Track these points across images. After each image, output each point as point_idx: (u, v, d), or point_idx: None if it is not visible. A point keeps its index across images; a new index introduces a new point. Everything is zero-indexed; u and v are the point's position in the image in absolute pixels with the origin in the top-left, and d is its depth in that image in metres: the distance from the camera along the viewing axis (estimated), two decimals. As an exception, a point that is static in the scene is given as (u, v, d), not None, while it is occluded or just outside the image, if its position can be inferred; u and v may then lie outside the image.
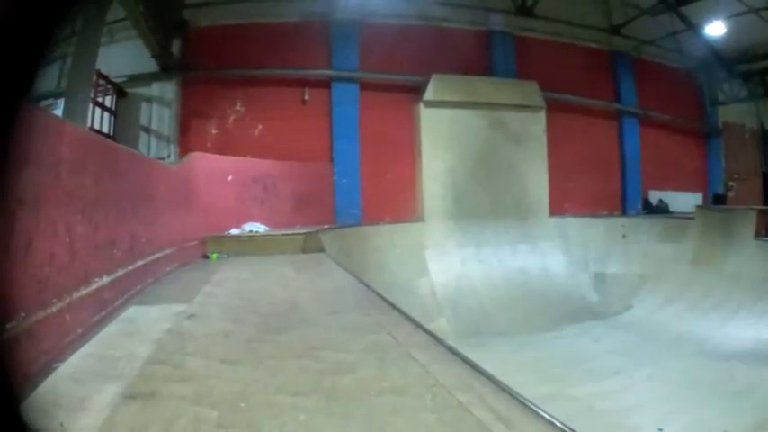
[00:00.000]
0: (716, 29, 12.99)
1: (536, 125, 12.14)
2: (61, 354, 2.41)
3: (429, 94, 11.26)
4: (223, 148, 9.69)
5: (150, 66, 9.77)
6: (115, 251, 3.58)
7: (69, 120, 5.44)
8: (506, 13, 12.41)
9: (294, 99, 10.87)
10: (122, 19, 8.60)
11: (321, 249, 7.28)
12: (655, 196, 13.90)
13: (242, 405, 1.94)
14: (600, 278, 11.31)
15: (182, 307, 3.68)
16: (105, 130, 9.02)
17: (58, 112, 6.74)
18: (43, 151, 2.32)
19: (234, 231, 7.75)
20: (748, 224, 9.21)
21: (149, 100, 10.19)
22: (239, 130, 10.51)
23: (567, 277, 11.31)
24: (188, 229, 6.48)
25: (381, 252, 9.67)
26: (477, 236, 11.18)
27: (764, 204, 13.37)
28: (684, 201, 13.50)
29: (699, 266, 9.65)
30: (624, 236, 11.52)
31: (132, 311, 3.52)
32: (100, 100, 8.93)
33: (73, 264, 2.72)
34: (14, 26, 1.18)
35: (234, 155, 9.17)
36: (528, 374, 6.19)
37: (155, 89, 10.15)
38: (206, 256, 6.91)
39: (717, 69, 14.95)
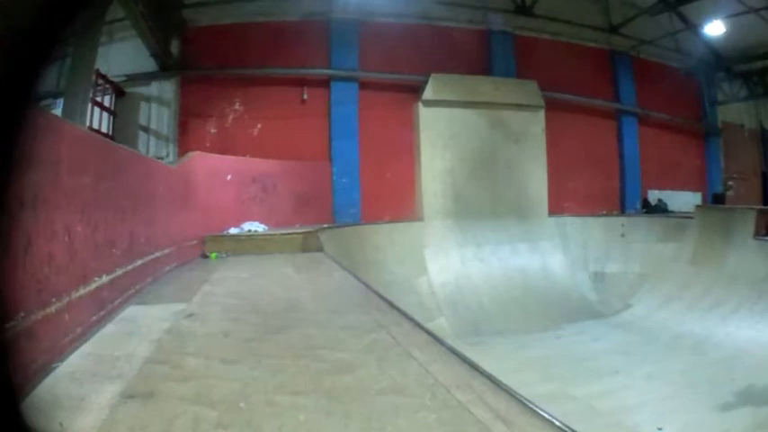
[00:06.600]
0: (715, 28, 12.99)
1: (535, 124, 12.14)
2: (60, 353, 2.41)
3: (428, 94, 11.26)
4: (222, 147, 9.66)
5: (149, 65, 9.76)
6: (114, 251, 3.58)
7: (68, 119, 5.44)
8: (505, 13, 12.40)
9: (293, 98, 10.84)
10: (121, 18, 8.58)
11: (320, 249, 7.29)
12: (654, 195, 13.89)
13: (241, 405, 1.94)
14: (599, 277, 11.31)
15: (181, 306, 3.68)
16: (104, 129, 8.99)
17: (57, 111, 6.73)
18: (42, 151, 2.32)
19: (233, 231, 7.75)
20: (747, 223, 9.21)
21: (148, 99, 10.17)
22: (238, 130, 10.49)
23: (566, 276, 11.31)
24: (187, 229, 6.48)
25: (380, 251, 9.67)
26: (477, 235, 11.18)
27: (764, 204, 13.38)
28: (683, 200, 13.49)
29: (698, 266, 9.65)
30: (623, 235, 11.53)
31: (131, 311, 3.52)
32: (99, 99, 8.90)
33: (72, 263, 2.72)
34: (19, 27, 1.18)
35: (233, 154, 9.15)
36: (527, 374, 6.20)
37: (154, 88, 10.13)
38: (205, 256, 6.91)
39: (716, 69, 14.94)
